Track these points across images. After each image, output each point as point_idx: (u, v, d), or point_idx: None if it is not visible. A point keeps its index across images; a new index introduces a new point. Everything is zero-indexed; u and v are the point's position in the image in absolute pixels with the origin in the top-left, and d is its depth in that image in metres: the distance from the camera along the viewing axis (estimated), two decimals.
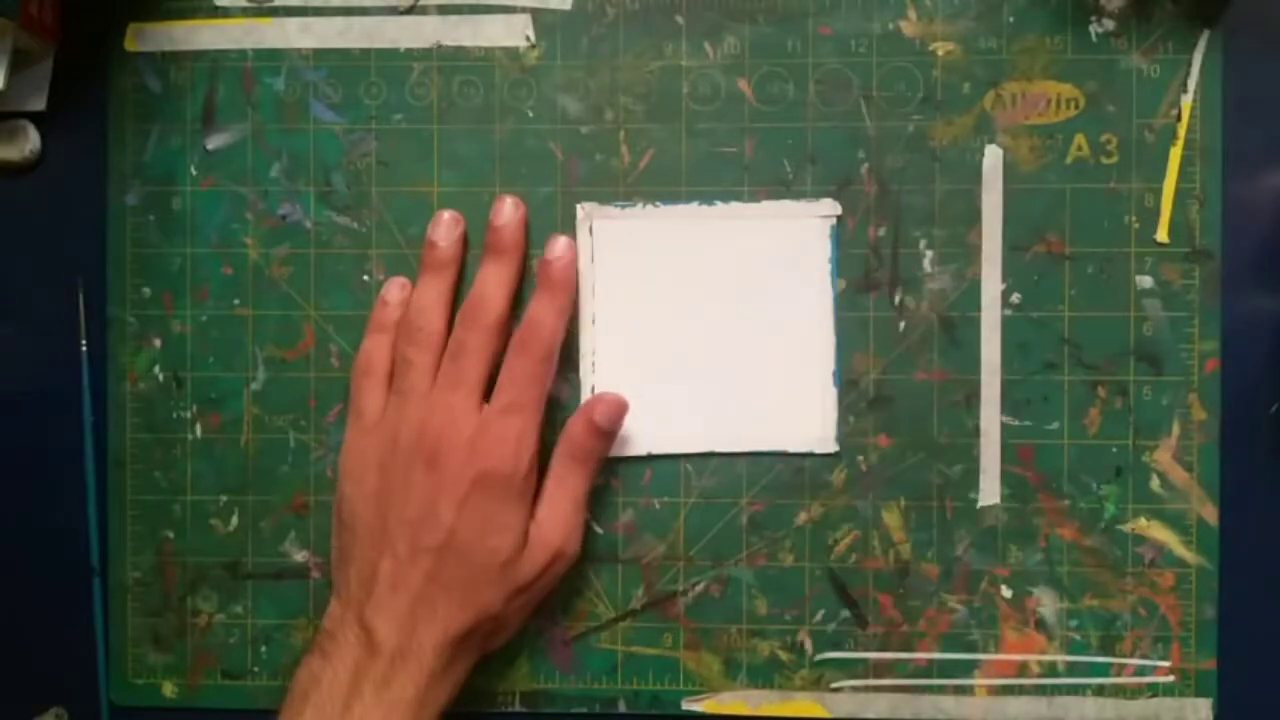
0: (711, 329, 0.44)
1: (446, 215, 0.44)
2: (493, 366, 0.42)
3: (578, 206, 0.45)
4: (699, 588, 0.45)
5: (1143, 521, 0.44)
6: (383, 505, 0.41)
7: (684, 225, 0.44)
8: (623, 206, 0.45)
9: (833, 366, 0.44)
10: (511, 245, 0.43)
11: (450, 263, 0.43)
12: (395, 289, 0.44)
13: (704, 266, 0.44)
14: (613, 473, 0.45)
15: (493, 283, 0.43)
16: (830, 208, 0.44)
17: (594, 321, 0.44)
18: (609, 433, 0.43)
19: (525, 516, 0.41)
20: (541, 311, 0.42)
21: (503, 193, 0.44)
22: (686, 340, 0.44)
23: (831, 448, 0.44)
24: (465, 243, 0.44)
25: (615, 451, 0.44)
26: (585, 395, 0.44)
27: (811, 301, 0.44)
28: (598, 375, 0.44)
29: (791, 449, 0.44)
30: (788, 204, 0.44)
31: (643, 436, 0.44)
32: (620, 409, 0.43)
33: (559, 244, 0.42)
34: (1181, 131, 0.43)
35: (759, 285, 0.44)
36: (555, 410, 0.45)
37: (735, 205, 0.44)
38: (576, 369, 0.44)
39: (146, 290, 0.46)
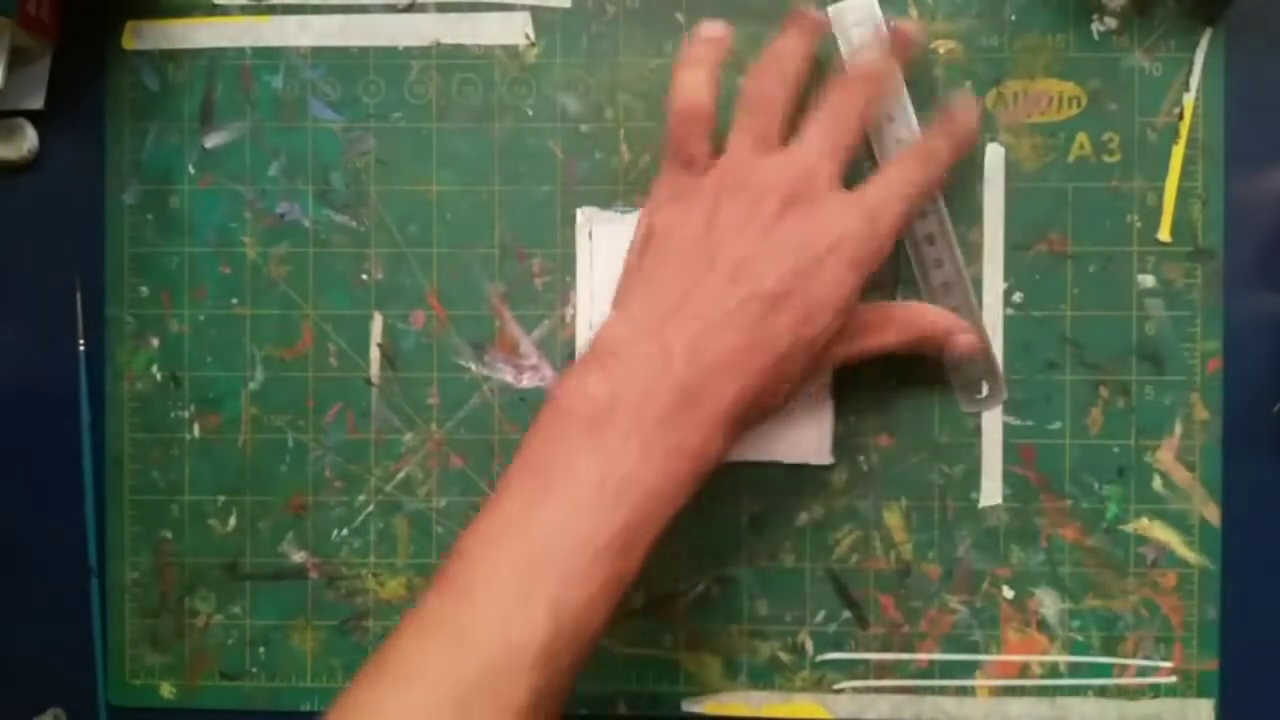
0: None
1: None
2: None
3: (577, 211, 0.44)
4: (699, 588, 0.44)
5: (1145, 522, 0.43)
6: (712, 240, 0.37)
7: None
8: (623, 211, 0.44)
9: (827, 378, 0.43)
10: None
11: (816, 29, 0.41)
12: (718, 25, 0.41)
13: None
14: None
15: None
16: None
17: (591, 327, 0.44)
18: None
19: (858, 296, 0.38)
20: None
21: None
22: None
23: (827, 459, 0.43)
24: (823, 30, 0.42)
25: None
26: None
27: None
28: None
29: (786, 459, 0.43)
30: None
31: None
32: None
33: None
34: (1184, 130, 0.43)
35: None
36: None
37: None
38: None
39: (144, 289, 0.45)
